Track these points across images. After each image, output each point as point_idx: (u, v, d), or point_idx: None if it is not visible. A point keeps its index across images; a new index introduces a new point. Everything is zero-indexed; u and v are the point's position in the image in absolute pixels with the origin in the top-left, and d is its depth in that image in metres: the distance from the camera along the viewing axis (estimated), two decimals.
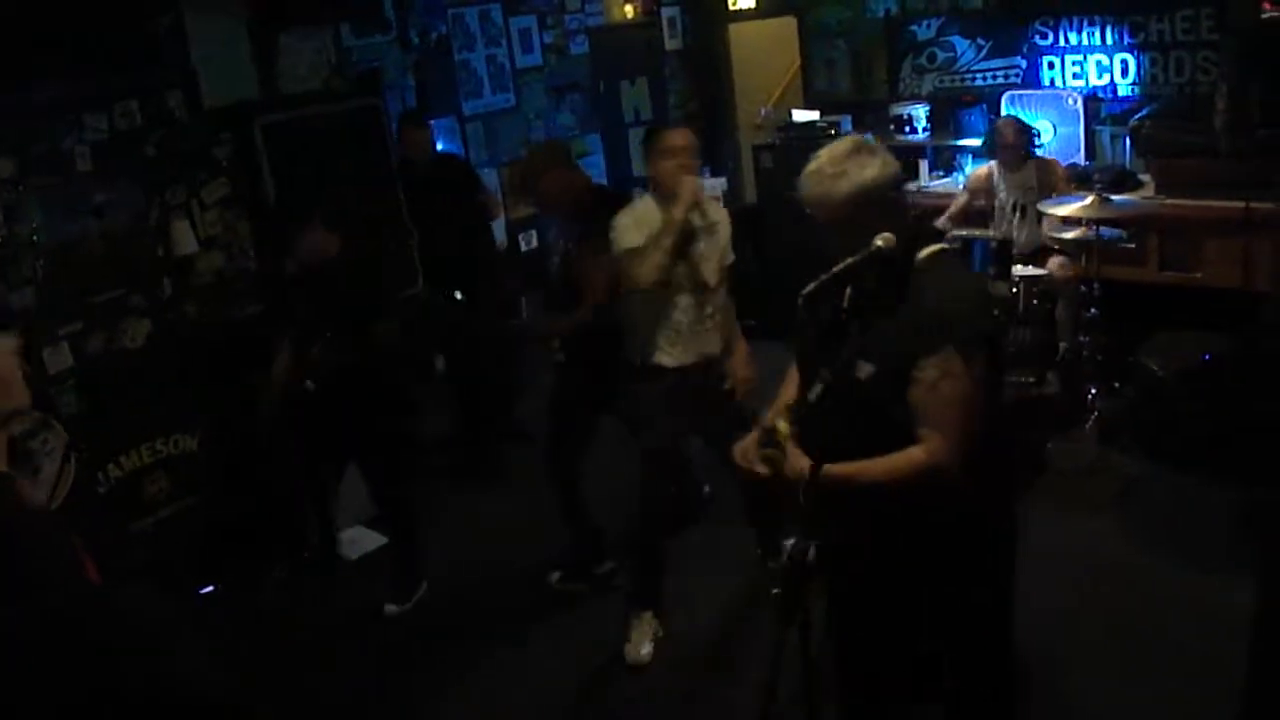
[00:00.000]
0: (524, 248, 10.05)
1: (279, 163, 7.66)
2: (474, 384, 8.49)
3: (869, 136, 3.71)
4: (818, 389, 3.45)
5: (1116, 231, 7.77)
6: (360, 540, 7.51)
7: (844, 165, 3.51)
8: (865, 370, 3.50)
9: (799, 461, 3.48)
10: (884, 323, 3.47)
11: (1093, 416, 7.73)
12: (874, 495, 3.51)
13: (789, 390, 4.02)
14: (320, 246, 6.20)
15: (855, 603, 3.93)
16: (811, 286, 3.43)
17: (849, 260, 3.42)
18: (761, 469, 3.58)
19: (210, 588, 6.79)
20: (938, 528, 3.61)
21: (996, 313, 5.82)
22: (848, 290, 3.42)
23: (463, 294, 7.26)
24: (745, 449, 3.81)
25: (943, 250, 3.64)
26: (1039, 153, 8.75)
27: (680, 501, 5.90)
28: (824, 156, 3.57)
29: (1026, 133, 8.54)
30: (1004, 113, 9.68)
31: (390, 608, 6.65)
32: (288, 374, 6.28)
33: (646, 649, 5.87)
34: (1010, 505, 3.91)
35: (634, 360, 5.76)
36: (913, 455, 3.48)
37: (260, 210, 7.62)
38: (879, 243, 3.44)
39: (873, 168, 3.52)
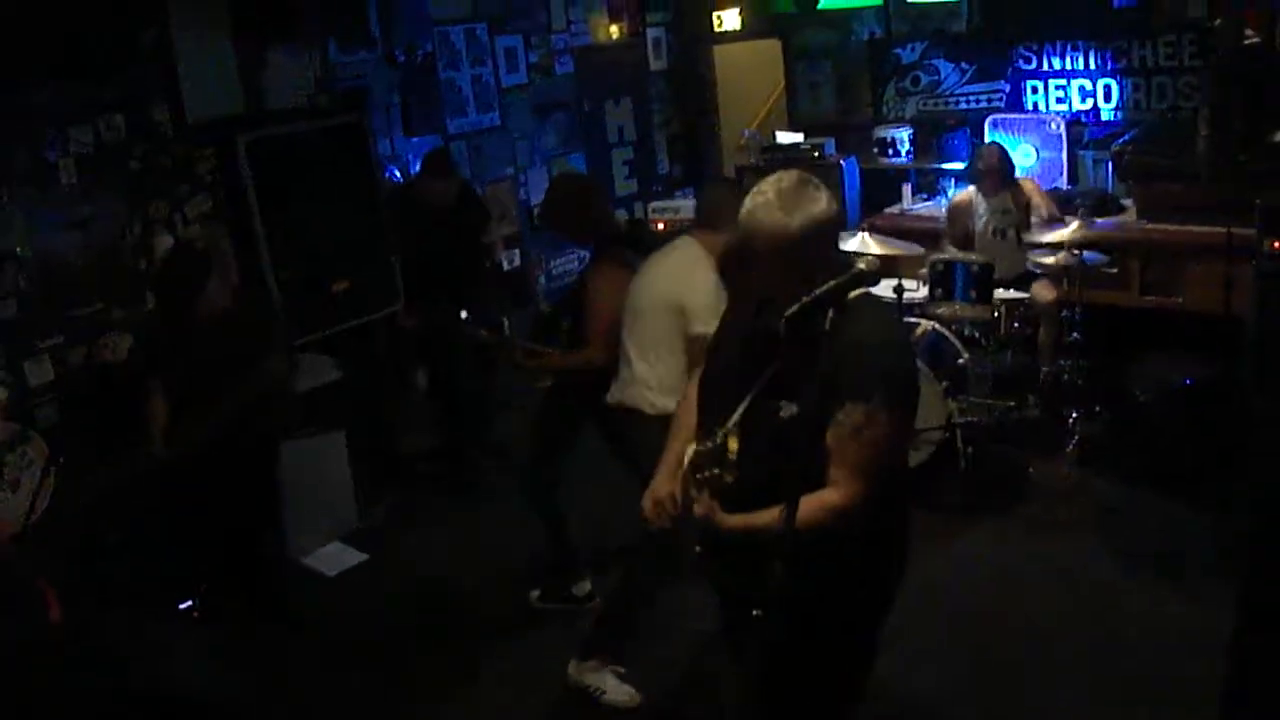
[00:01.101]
0: (506, 266, 10.02)
1: (263, 178, 7.64)
2: (457, 399, 8.45)
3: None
4: (792, 410, 3.45)
5: (1099, 255, 7.79)
6: (338, 556, 7.48)
7: (796, 199, 3.45)
8: (789, 409, 3.46)
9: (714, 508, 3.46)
10: (806, 360, 3.38)
11: (1073, 440, 7.76)
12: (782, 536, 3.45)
13: (683, 435, 3.95)
14: (212, 297, 5.98)
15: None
16: (794, 308, 3.35)
17: (831, 283, 3.35)
18: (702, 503, 3.47)
19: (189, 603, 6.75)
20: (838, 547, 3.57)
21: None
22: (829, 314, 3.38)
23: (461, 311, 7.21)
24: (667, 486, 3.78)
25: (866, 293, 3.61)
26: (1019, 177, 8.76)
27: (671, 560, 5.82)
28: (771, 190, 3.49)
29: (1007, 159, 8.56)
30: (987, 136, 9.72)
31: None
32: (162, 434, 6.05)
33: (623, 690, 5.82)
34: (905, 536, 3.88)
35: (644, 408, 5.57)
36: (827, 499, 3.43)
37: (242, 225, 7.60)
38: (861, 265, 3.42)
39: (821, 203, 3.48)
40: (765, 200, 3.48)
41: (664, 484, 3.83)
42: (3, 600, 2.82)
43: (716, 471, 3.41)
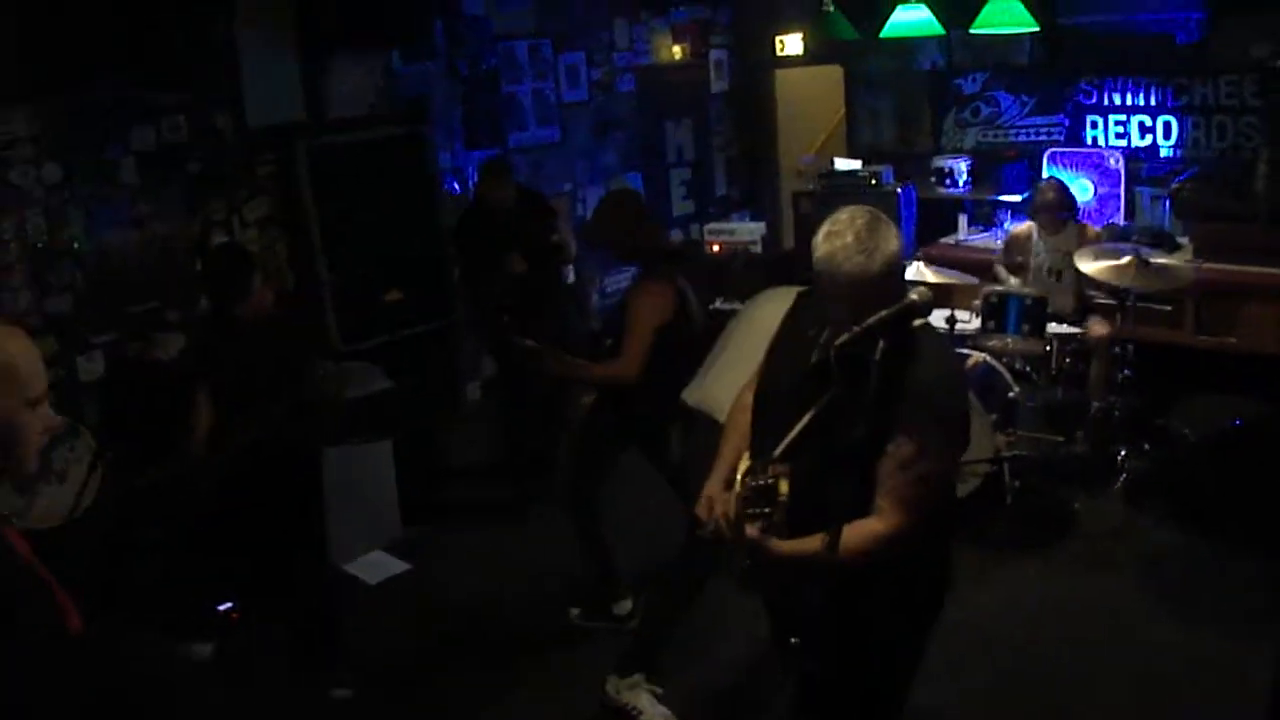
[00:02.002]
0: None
1: (321, 185, 7.70)
2: (524, 417, 8.39)
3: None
4: (843, 434, 3.44)
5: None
6: (380, 565, 7.50)
7: (874, 239, 3.44)
8: (840, 435, 3.44)
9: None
10: (858, 390, 3.36)
11: (1121, 478, 7.70)
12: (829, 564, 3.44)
13: (735, 440, 3.99)
14: (257, 299, 5.95)
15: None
16: (845, 338, 3.37)
17: (883, 313, 3.35)
18: (752, 531, 3.45)
19: (228, 604, 6.78)
20: (880, 576, 3.57)
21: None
22: (880, 344, 3.37)
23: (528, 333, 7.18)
24: (721, 502, 3.77)
25: (927, 324, 3.61)
26: (1080, 219, 8.70)
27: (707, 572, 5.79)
28: (850, 233, 3.46)
29: (1068, 197, 8.50)
30: (1045, 169, 9.69)
31: (339, 692, 6.23)
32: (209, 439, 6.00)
33: (660, 711, 5.80)
34: (947, 570, 3.88)
35: (716, 415, 5.53)
36: (872, 528, 3.43)
37: (300, 230, 7.66)
38: (914, 296, 3.42)
39: (895, 241, 3.49)
40: (844, 244, 3.45)
41: (716, 485, 3.85)
42: (14, 605, 2.81)
43: (767, 510, 3.40)
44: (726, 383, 5.53)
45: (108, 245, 7.03)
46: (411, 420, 8.01)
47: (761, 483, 3.42)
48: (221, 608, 6.77)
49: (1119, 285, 7.61)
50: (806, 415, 3.47)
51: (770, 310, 5.61)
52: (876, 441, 3.43)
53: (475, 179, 8.64)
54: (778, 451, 3.44)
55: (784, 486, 3.38)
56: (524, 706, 6.01)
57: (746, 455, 3.78)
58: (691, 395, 5.65)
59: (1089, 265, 7.68)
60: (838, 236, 3.48)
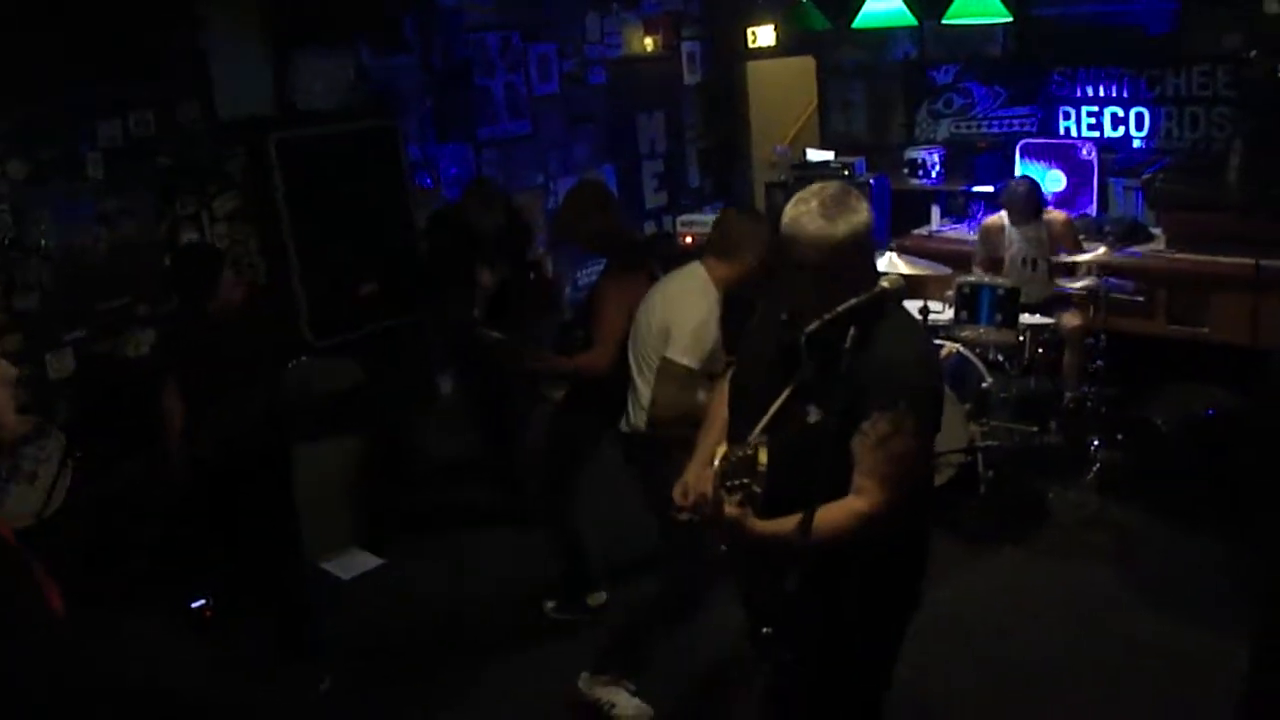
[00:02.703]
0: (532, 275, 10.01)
1: (291, 179, 7.67)
2: (486, 408, 8.32)
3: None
4: (817, 415, 3.44)
5: (1125, 283, 7.77)
6: (355, 561, 7.47)
7: (839, 208, 3.45)
8: (814, 415, 3.46)
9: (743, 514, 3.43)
10: (836, 368, 3.37)
11: (1094, 468, 7.71)
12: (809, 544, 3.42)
13: (715, 429, 3.99)
14: (227, 295, 5.91)
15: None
16: (814, 325, 3.39)
17: (853, 301, 3.37)
18: (731, 509, 3.41)
19: (202, 601, 6.75)
20: (858, 562, 3.58)
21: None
22: (851, 331, 3.37)
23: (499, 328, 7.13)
24: (699, 481, 3.76)
25: (900, 307, 3.62)
26: (1050, 209, 8.69)
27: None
28: (814, 199, 3.48)
29: (1037, 195, 8.52)
30: (1018, 161, 9.70)
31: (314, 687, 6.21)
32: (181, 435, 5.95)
33: (634, 705, 5.78)
34: (923, 560, 3.87)
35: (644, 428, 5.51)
36: (852, 506, 3.44)
37: (271, 224, 7.62)
38: (885, 284, 3.42)
39: (862, 213, 3.48)
40: (809, 209, 3.47)
41: (695, 474, 3.83)
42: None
43: (746, 481, 3.38)
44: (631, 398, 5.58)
45: (76, 242, 6.98)
46: (385, 414, 7.99)
47: (740, 454, 3.41)
48: (196, 604, 6.75)
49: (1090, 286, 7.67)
50: (780, 398, 3.46)
51: (648, 313, 5.59)
52: (850, 423, 3.42)
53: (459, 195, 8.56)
54: (755, 432, 3.43)
55: (763, 456, 3.37)
56: (499, 699, 5.99)
57: (724, 443, 3.76)
58: (625, 426, 5.70)
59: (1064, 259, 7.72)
60: (803, 203, 3.50)
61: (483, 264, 7.61)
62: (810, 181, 3.68)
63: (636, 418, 5.52)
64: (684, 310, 5.26)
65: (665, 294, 5.45)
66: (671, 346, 5.19)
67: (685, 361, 5.10)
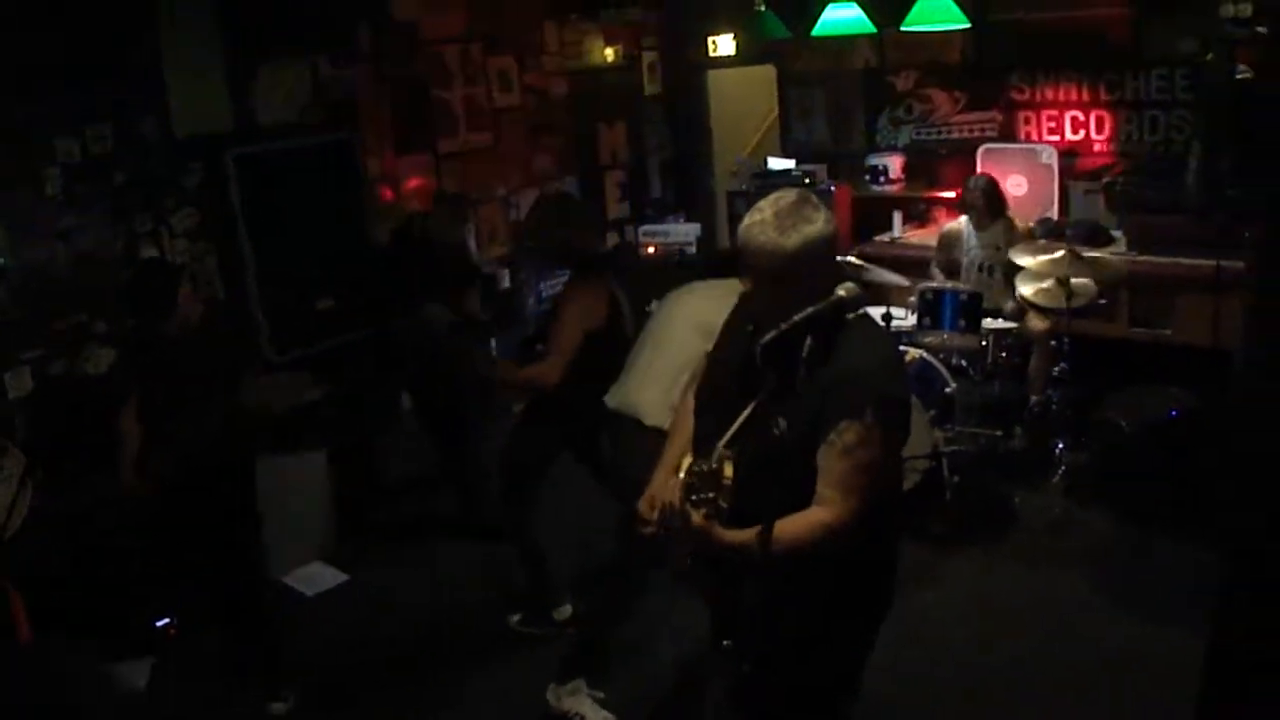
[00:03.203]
0: (499, 286, 9.99)
1: (250, 194, 7.63)
2: (449, 423, 8.26)
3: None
4: (782, 426, 3.42)
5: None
6: (318, 576, 7.44)
7: (793, 219, 3.44)
8: (779, 426, 3.44)
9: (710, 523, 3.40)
10: (803, 379, 3.37)
11: (1060, 471, 7.74)
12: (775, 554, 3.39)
13: (680, 440, 3.98)
14: (185, 313, 5.86)
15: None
16: (771, 336, 3.38)
17: (809, 310, 3.35)
18: (698, 519, 3.38)
19: (166, 620, 6.71)
20: (827, 572, 3.57)
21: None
22: (807, 341, 3.36)
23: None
24: (666, 491, 3.73)
25: (864, 314, 3.60)
26: (1010, 214, 8.70)
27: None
28: (769, 209, 3.49)
29: (997, 192, 8.54)
30: (978, 166, 9.71)
31: (277, 706, 6.18)
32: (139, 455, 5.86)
33: (602, 715, 5.73)
34: (893, 570, 3.87)
35: (641, 416, 5.47)
36: (816, 517, 3.42)
37: (230, 240, 7.58)
38: (841, 292, 3.41)
39: (819, 223, 3.47)
40: (762, 219, 3.47)
41: (660, 485, 3.81)
42: None
43: (712, 495, 3.36)
44: (648, 382, 5.52)
45: (33, 259, 6.92)
46: (346, 428, 7.95)
47: (706, 468, 3.38)
48: (159, 623, 6.71)
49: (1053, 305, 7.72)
50: (746, 410, 3.44)
51: (683, 306, 5.59)
52: (813, 434, 3.41)
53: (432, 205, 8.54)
54: (721, 444, 3.41)
55: (728, 470, 3.34)
56: (466, 716, 5.97)
57: (690, 454, 3.74)
58: (613, 398, 5.63)
59: (1025, 261, 7.72)
60: (758, 212, 3.51)
61: (463, 283, 7.62)
62: (772, 190, 3.66)
63: (631, 397, 5.54)
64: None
65: (715, 299, 5.35)
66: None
67: None
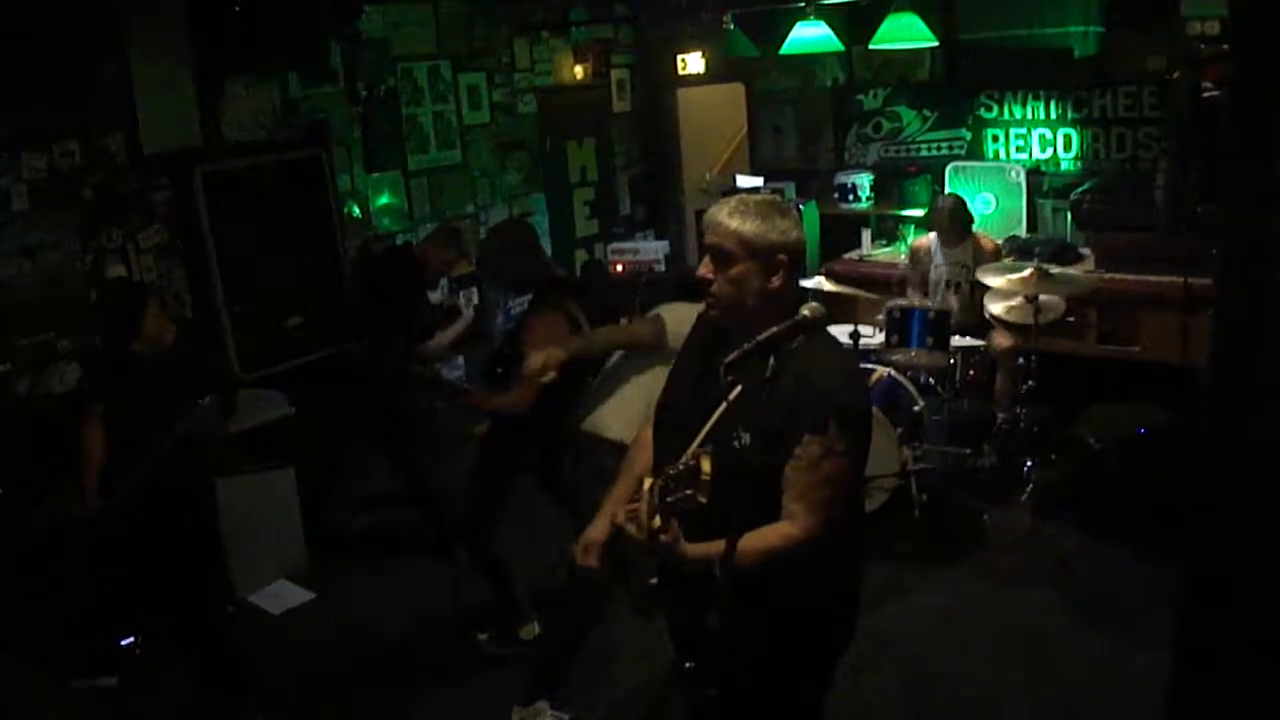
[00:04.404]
0: (465, 305, 9.96)
1: (218, 211, 7.60)
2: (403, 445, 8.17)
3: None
4: (744, 440, 3.42)
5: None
6: (283, 595, 7.39)
7: (759, 210, 3.49)
8: (741, 440, 3.44)
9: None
10: (763, 392, 3.38)
11: (1029, 489, 7.75)
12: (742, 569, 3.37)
13: (641, 458, 3.96)
14: (152, 332, 5.80)
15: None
16: (734, 355, 3.37)
17: (773, 329, 3.37)
18: (670, 532, 3.30)
19: (130, 639, 6.66)
20: (789, 592, 3.55)
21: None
22: (770, 360, 3.36)
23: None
24: (601, 530, 3.74)
25: (823, 332, 3.60)
26: (976, 230, 8.72)
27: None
28: (736, 199, 3.55)
29: (964, 210, 8.56)
30: (948, 184, 9.74)
31: None
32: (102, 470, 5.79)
33: None
34: (857, 591, 3.86)
35: (609, 433, 5.50)
36: (782, 530, 3.41)
37: (198, 257, 7.55)
38: (805, 312, 3.41)
39: (783, 224, 3.50)
40: (731, 201, 3.54)
41: (599, 528, 3.78)
42: None
43: (690, 492, 3.31)
44: (615, 404, 5.54)
45: None
46: (314, 446, 7.92)
47: (682, 466, 3.35)
48: (124, 642, 6.66)
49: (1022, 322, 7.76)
50: (708, 424, 3.43)
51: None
52: (775, 449, 3.41)
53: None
54: (694, 445, 3.39)
55: (706, 465, 3.29)
56: None
57: (648, 479, 3.70)
58: (585, 422, 5.64)
59: (994, 281, 7.74)
60: (726, 201, 3.56)
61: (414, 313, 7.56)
62: None
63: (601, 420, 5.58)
64: None
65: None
66: None
67: None
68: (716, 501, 3.30)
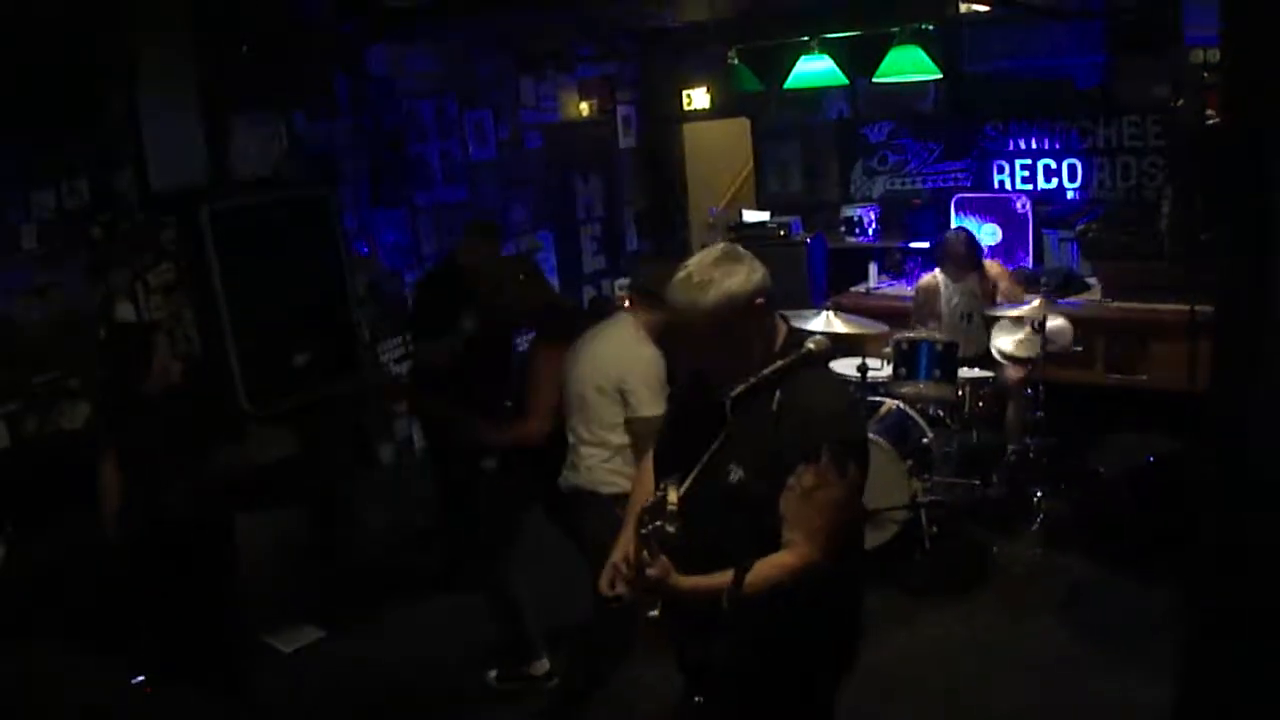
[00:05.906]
0: None
1: (226, 249, 7.60)
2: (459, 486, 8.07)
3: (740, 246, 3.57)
4: (739, 474, 3.44)
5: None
6: (295, 633, 7.38)
7: (710, 274, 3.46)
8: (736, 474, 3.46)
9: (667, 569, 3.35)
10: (756, 426, 3.42)
11: (1039, 519, 7.74)
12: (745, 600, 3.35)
13: (642, 495, 3.90)
14: (160, 371, 5.93)
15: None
16: (739, 389, 3.41)
17: (779, 363, 3.42)
18: (659, 566, 3.30)
19: (141, 678, 6.64)
20: (791, 623, 3.56)
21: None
22: (776, 395, 3.39)
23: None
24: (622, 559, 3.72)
25: (815, 366, 3.61)
26: (987, 260, 8.74)
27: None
28: (693, 266, 3.51)
29: (975, 247, 8.57)
30: (953, 215, 9.75)
31: None
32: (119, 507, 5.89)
33: None
34: (859, 596, 3.89)
35: (598, 490, 5.53)
36: (781, 560, 3.41)
37: (206, 295, 7.55)
38: (811, 346, 3.44)
39: (739, 276, 3.47)
40: (683, 276, 3.50)
41: (620, 556, 3.78)
42: None
43: (659, 524, 3.31)
44: None
45: (8, 314, 6.89)
46: (324, 484, 7.92)
47: (653, 499, 3.35)
48: (135, 680, 6.65)
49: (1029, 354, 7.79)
50: (704, 457, 3.46)
51: (589, 354, 5.61)
52: (770, 480, 3.42)
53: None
54: (682, 488, 3.39)
55: (672, 495, 3.30)
56: None
57: None
58: (565, 482, 5.71)
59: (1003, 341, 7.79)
60: (683, 269, 3.53)
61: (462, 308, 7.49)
62: (748, 243, 3.69)
63: (580, 476, 5.53)
64: (633, 364, 5.31)
65: (603, 354, 5.45)
66: (636, 407, 5.26)
67: (654, 412, 5.06)
68: (714, 534, 3.32)
